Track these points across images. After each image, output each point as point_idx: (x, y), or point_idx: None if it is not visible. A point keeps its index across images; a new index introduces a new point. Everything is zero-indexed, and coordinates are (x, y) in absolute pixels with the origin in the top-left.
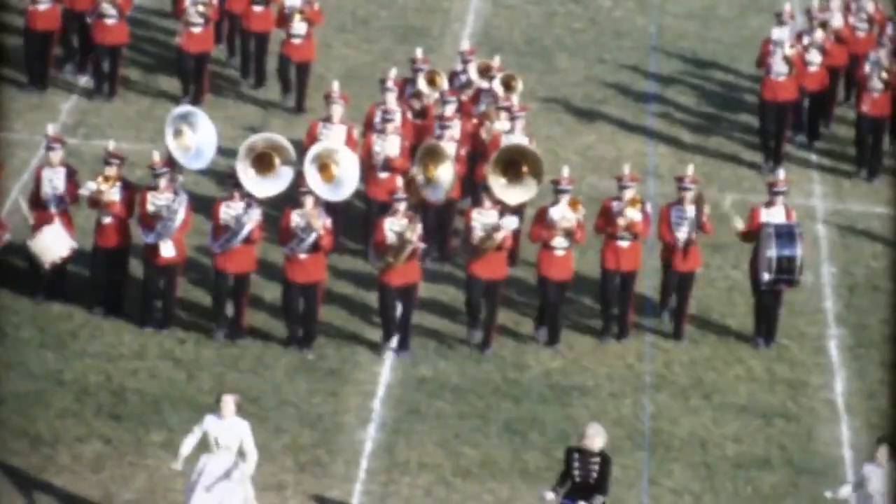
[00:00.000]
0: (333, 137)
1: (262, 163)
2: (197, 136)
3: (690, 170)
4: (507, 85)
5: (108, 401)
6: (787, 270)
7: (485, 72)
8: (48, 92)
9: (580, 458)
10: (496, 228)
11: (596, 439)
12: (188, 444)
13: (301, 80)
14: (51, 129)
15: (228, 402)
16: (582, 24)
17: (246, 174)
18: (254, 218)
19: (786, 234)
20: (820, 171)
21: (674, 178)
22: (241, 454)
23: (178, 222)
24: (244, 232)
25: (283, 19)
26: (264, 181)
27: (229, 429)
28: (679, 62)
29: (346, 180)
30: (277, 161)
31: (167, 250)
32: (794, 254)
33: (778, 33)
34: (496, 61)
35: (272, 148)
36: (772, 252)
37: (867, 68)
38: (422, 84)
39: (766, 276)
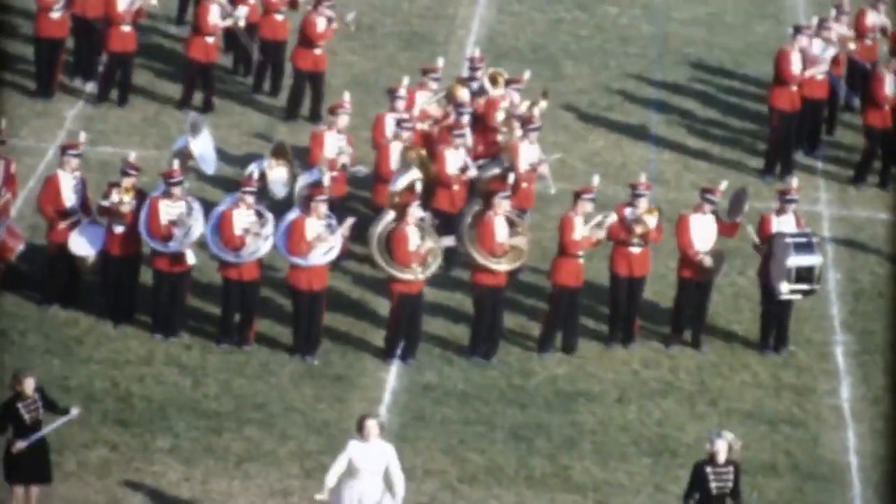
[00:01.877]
0: (333, 147)
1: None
2: (198, 144)
3: (724, 185)
4: (532, 104)
5: (114, 407)
6: (806, 280)
7: (513, 83)
8: (54, 98)
9: (714, 471)
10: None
11: (727, 452)
12: (334, 475)
13: (315, 88)
14: (82, 136)
15: (373, 426)
16: (588, 30)
17: (270, 169)
18: (270, 228)
19: (804, 244)
20: (825, 178)
21: (700, 189)
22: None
23: (199, 230)
24: (267, 245)
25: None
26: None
27: (375, 453)
28: (685, 69)
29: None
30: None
31: (191, 258)
32: (814, 263)
33: (790, 43)
34: (526, 74)
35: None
36: (791, 262)
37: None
38: (486, 83)
39: (784, 287)
